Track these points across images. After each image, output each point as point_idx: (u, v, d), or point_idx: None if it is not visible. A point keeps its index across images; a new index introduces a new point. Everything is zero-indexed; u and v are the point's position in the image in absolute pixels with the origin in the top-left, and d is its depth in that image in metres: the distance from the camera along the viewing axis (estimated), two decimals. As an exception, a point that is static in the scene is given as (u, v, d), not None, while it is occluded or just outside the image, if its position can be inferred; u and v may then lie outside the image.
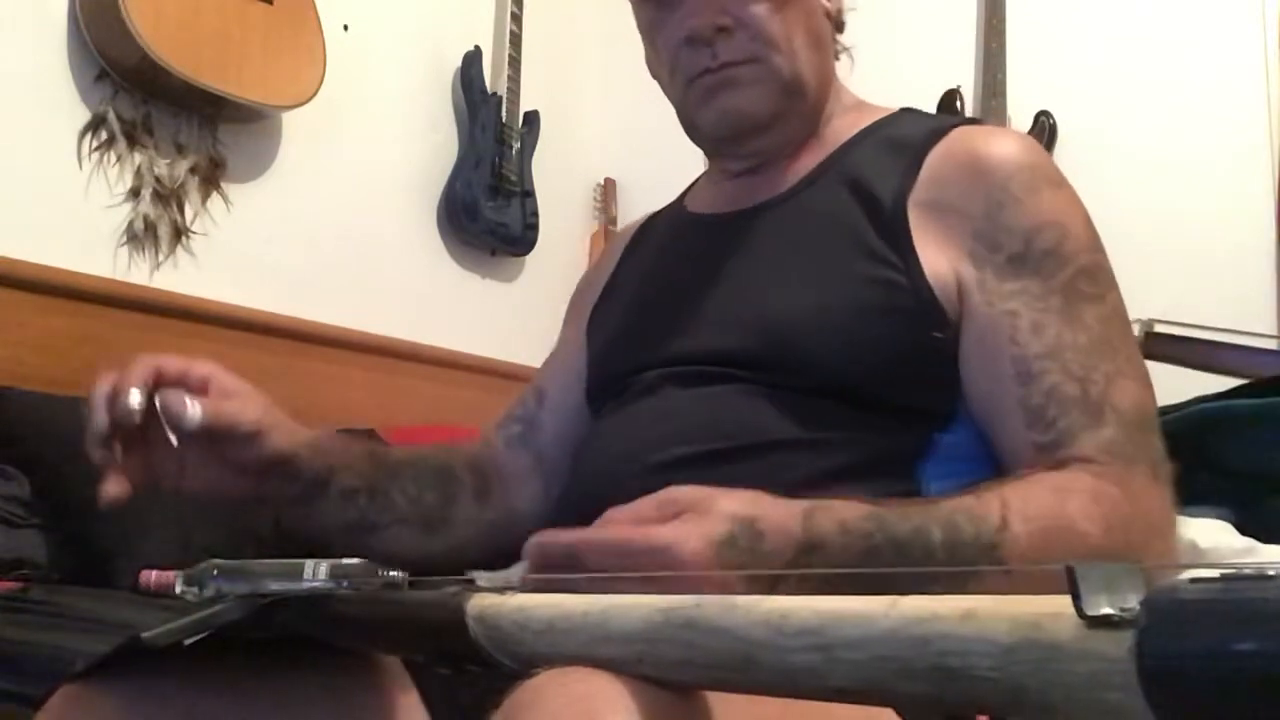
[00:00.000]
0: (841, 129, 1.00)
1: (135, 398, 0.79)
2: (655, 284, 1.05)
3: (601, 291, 1.12)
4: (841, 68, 1.06)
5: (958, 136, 0.92)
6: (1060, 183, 0.90)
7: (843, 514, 0.69)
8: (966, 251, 0.86)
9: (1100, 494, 0.75)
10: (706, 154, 1.07)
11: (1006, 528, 0.71)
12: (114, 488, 0.82)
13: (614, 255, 1.15)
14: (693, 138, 1.04)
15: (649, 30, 1.02)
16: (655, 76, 1.05)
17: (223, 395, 0.86)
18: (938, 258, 0.87)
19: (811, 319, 0.87)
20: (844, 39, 1.07)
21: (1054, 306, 0.83)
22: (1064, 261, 0.85)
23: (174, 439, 0.78)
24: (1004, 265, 0.85)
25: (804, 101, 0.98)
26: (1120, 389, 0.81)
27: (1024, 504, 0.73)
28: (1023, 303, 0.83)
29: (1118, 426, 0.80)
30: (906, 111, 1.01)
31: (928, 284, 0.86)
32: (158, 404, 0.78)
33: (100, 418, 0.80)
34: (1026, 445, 0.81)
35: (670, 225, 1.11)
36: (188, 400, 0.81)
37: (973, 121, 0.96)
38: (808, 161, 0.99)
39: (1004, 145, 0.90)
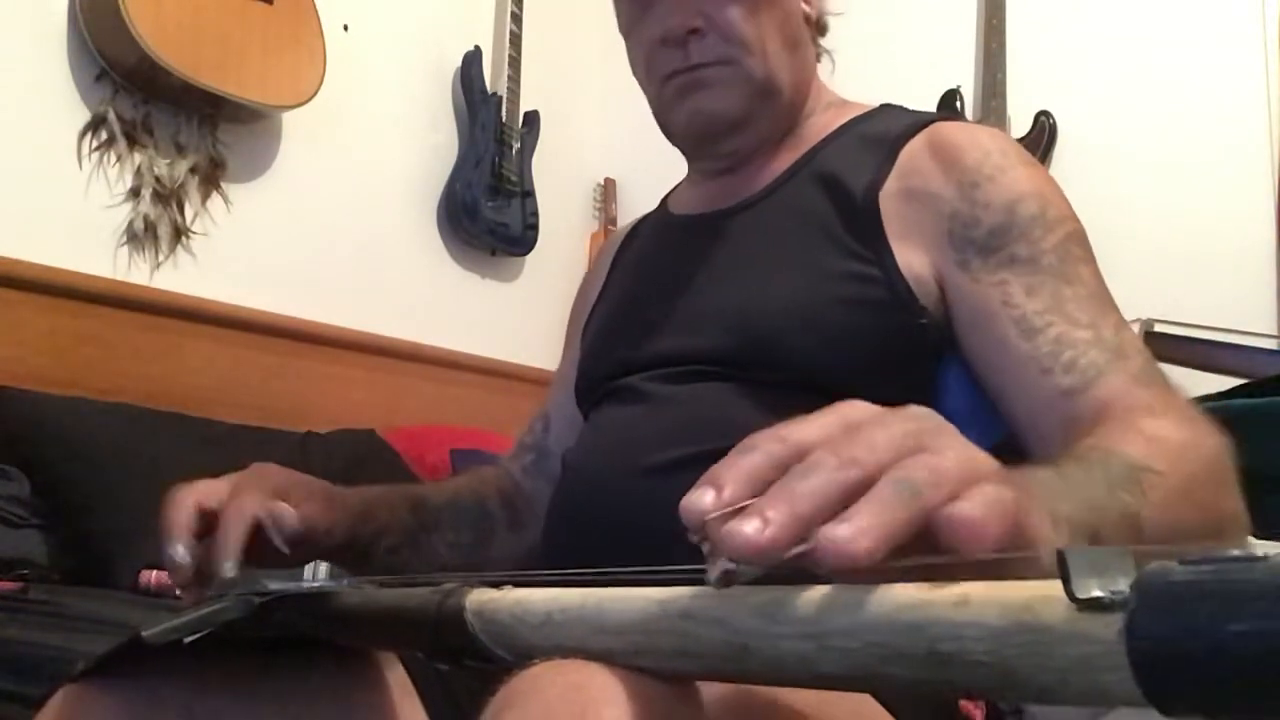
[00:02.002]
0: (819, 126, 1.01)
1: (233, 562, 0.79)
2: (637, 287, 1.06)
3: (593, 303, 1.14)
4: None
5: (932, 130, 0.92)
6: (1034, 163, 0.90)
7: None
8: (944, 233, 0.86)
9: (1163, 409, 0.71)
10: (684, 154, 1.08)
11: (1113, 451, 0.64)
12: (195, 592, 0.82)
13: (604, 265, 1.17)
14: (668, 137, 1.05)
15: (628, 29, 1.03)
16: (636, 76, 1.06)
17: (301, 499, 0.87)
18: (913, 249, 0.87)
19: (786, 315, 0.88)
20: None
21: (1048, 267, 0.82)
22: (1051, 226, 0.84)
23: (284, 549, 0.82)
24: (986, 239, 0.84)
25: (777, 102, 0.99)
26: (1131, 337, 0.80)
27: (1106, 438, 0.66)
28: (1012, 271, 0.83)
29: (1143, 358, 0.78)
30: (886, 108, 1.02)
31: (901, 275, 0.86)
32: (265, 522, 0.81)
33: (186, 559, 0.80)
34: (1050, 395, 0.78)
35: (653, 228, 1.13)
36: (286, 516, 0.83)
37: (951, 118, 0.96)
38: (784, 160, 1.00)
39: (976, 134, 0.90)
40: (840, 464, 0.39)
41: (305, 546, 0.85)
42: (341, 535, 0.90)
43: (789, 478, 0.39)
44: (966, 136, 0.90)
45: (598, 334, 1.08)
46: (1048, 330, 0.79)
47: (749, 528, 0.37)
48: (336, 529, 0.89)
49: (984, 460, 0.41)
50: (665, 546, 0.43)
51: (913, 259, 0.86)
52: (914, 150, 0.91)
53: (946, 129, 0.92)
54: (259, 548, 0.81)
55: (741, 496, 0.39)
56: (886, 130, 0.95)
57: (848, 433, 0.41)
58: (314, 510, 0.86)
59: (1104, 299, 0.82)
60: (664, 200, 1.15)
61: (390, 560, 0.99)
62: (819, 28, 1.06)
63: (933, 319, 0.86)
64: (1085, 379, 0.76)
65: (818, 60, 1.06)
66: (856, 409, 0.44)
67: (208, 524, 0.81)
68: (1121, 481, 0.59)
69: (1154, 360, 0.79)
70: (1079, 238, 0.85)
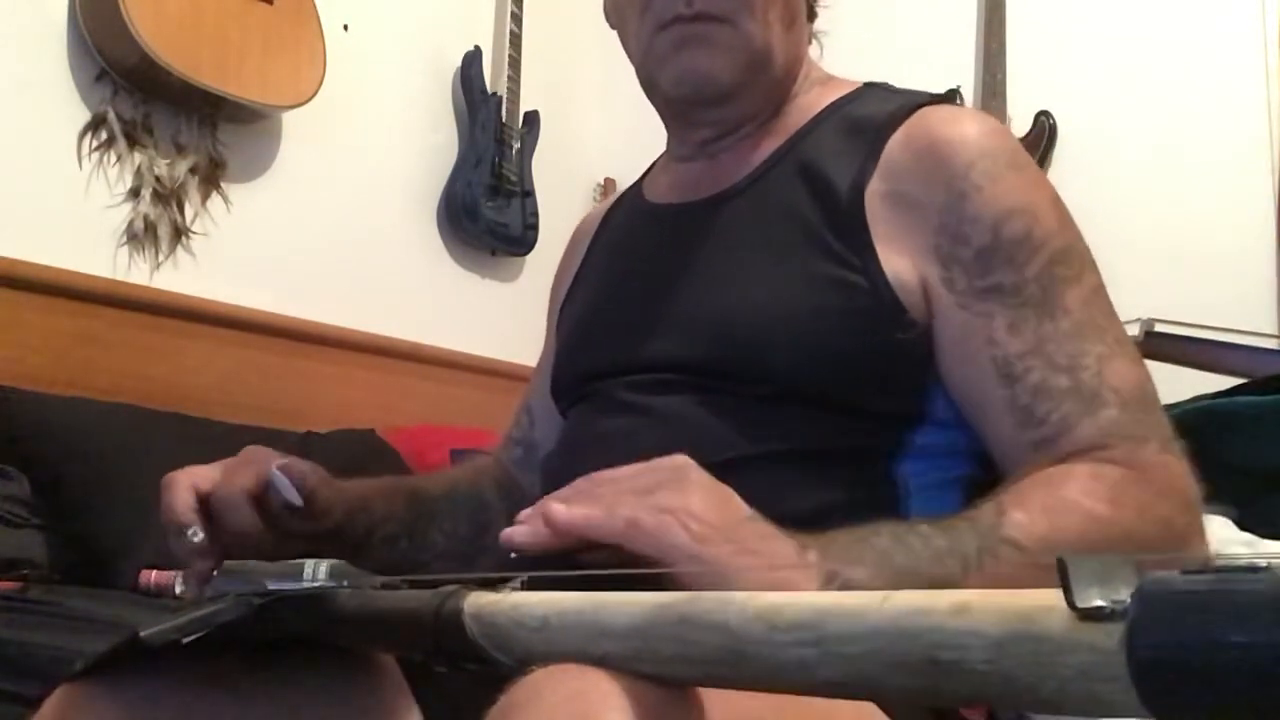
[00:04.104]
0: (805, 107, 0.97)
1: (249, 516, 0.84)
2: (613, 282, 1.03)
3: (568, 288, 1.10)
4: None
5: (918, 121, 0.88)
6: (1023, 165, 0.86)
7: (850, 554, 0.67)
8: (930, 247, 0.83)
9: (1099, 473, 0.73)
10: (662, 116, 1.03)
11: (1004, 513, 0.69)
12: (204, 570, 0.85)
13: (578, 252, 1.12)
14: (650, 95, 1.00)
15: None
16: (616, 25, 1.01)
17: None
18: (899, 255, 0.84)
19: (768, 323, 0.85)
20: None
21: (1030, 298, 0.80)
22: (1035, 249, 0.81)
23: (297, 501, 0.86)
24: (973, 261, 0.82)
25: (769, 76, 0.95)
26: (1114, 370, 0.78)
27: (1018, 494, 0.71)
28: (997, 300, 0.80)
29: (1118, 407, 0.77)
30: (870, 87, 0.98)
31: (888, 284, 0.83)
32: (273, 482, 0.85)
33: (195, 541, 0.83)
34: (1022, 446, 0.78)
35: (628, 215, 1.08)
36: (293, 485, 0.86)
37: (937, 100, 0.92)
38: (767, 146, 0.96)
39: (963, 129, 0.86)
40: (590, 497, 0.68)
41: (305, 523, 0.87)
42: (338, 517, 0.91)
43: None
44: (955, 132, 0.86)
45: (573, 330, 1.04)
46: (1027, 378, 0.78)
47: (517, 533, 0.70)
48: (334, 509, 0.90)
49: (695, 501, 0.66)
50: (640, 565, 0.44)
51: (899, 266, 0.84)
52: (899, 145, 0.87)
53: (932, 120, 0.88)
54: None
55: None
56: (870, 116, 0.91)
57: (604, 482, 0.69)
58: (314, 483, 0.87)
59: (1088, 327, 0.80)
60: (639, 182, 1.10)
61: (387, 551, 0.99)
62: (810, 11, 1.01)
63: (919, 328, 0.83)
64: (1055, 433, 0.77)
65: (808, 42, 1.02)
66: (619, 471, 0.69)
67: (204, 508, 0.84)
68: (962, 553, 0.67)
69: (1140, 410, 0.78)
70: (1064, 255, 0.82)
